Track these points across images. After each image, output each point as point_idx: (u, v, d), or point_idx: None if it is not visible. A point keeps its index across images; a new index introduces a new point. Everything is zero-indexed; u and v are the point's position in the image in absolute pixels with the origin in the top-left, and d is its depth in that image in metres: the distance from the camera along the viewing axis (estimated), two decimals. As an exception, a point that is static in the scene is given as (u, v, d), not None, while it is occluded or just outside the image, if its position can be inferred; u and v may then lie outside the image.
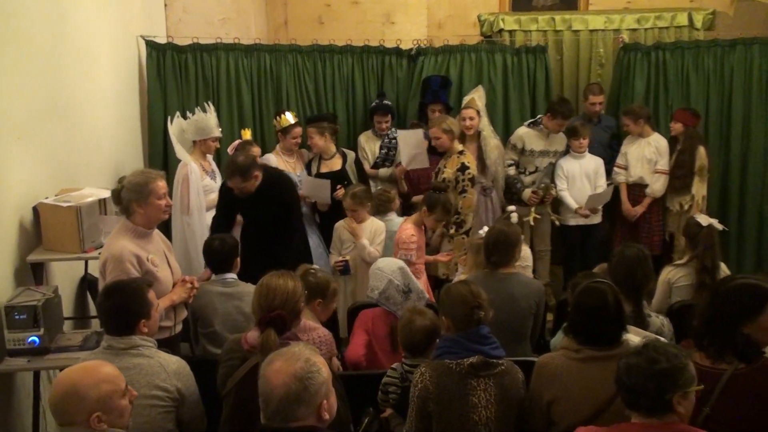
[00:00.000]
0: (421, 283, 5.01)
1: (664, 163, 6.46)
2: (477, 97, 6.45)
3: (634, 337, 3.08)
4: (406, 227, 5.08)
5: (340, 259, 5.47)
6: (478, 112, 6.29)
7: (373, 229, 5.44)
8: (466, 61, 6.88)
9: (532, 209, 6.36)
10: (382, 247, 5.39)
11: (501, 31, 7.30)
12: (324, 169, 6.08)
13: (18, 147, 3.91)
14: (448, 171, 5.67)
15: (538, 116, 6.44)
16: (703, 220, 4.62)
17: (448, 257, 5.51)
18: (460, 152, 5.71)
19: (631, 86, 6.93)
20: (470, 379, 2.97)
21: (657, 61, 6.93)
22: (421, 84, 6.72)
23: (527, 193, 6.35)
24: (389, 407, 3.39)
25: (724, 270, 4.61)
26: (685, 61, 6.90)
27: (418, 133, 6.09)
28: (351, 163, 6.14)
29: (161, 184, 3.84)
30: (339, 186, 5.88)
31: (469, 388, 2.96)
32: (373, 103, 6.71)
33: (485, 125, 6.37)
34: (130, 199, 3.77)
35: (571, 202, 6.42)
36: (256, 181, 4.95)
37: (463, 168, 5.61)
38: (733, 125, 6.91)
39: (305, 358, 2.35)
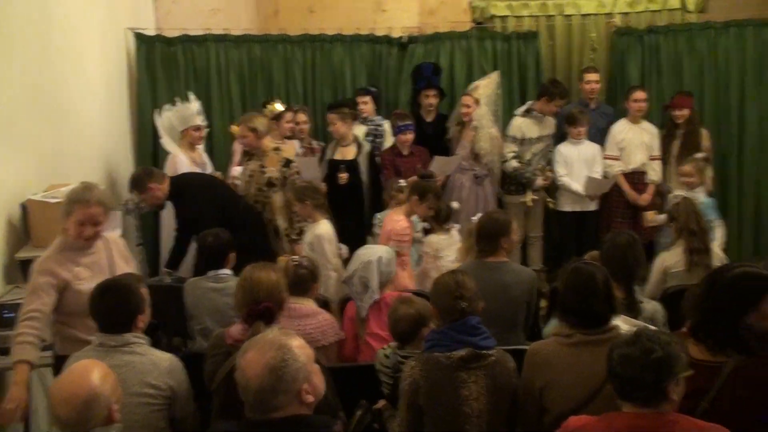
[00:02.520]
0: (406, 275, 5.00)
1: (657, 148, 6.43)
2: (483, 84, 6.38)
3: (624, 325, 3.05)
4: (398, 219, 5.01)
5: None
6: (477, 101, 6.23)
7: (313, 235, 4.93)
8: (457, 48, 6.84)
9: (528, 191, 6.31)
10: (332, 253, 4.94)
11: (493, 17, 7.26)
12: (338, 156, 6.06)
13: (3, 142, 3.89)
14: (271, 170, 5.45)
15: (528, 103, 6.38)
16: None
17: None
18: (275, 149, 5.48)
19: (625, 71, 6.88)
20: (460, 371, 2.94)
21: (650, 45, 6.88)
22: (412, 72, 6.68)
23: (540, 181, 6.30)
24: (382, 398, 3.38)
25: (717, 253, 4.60)
26: (678, 44, 6.85)
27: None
28: (365, 155, 6.09)
29: (84, 211, 3.39)
30: (343, 172, 5.86)
31: (460, 380, 2.93)
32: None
33: (483, 114, 6.27)
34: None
35: (577, 186, 6.29)
36: (156, 192, 4.91)
37: (288, 163, 5.46)
38: (728, 109, 6.85)
39: (278, 346, 2.27)
